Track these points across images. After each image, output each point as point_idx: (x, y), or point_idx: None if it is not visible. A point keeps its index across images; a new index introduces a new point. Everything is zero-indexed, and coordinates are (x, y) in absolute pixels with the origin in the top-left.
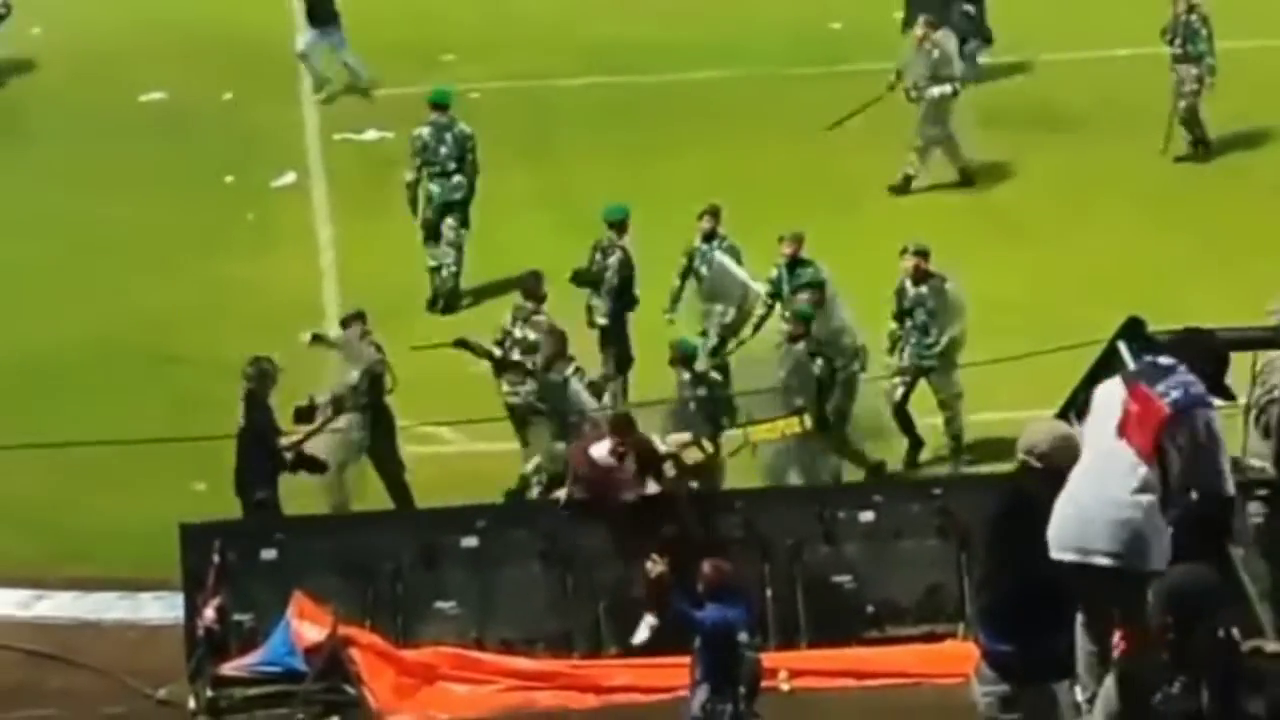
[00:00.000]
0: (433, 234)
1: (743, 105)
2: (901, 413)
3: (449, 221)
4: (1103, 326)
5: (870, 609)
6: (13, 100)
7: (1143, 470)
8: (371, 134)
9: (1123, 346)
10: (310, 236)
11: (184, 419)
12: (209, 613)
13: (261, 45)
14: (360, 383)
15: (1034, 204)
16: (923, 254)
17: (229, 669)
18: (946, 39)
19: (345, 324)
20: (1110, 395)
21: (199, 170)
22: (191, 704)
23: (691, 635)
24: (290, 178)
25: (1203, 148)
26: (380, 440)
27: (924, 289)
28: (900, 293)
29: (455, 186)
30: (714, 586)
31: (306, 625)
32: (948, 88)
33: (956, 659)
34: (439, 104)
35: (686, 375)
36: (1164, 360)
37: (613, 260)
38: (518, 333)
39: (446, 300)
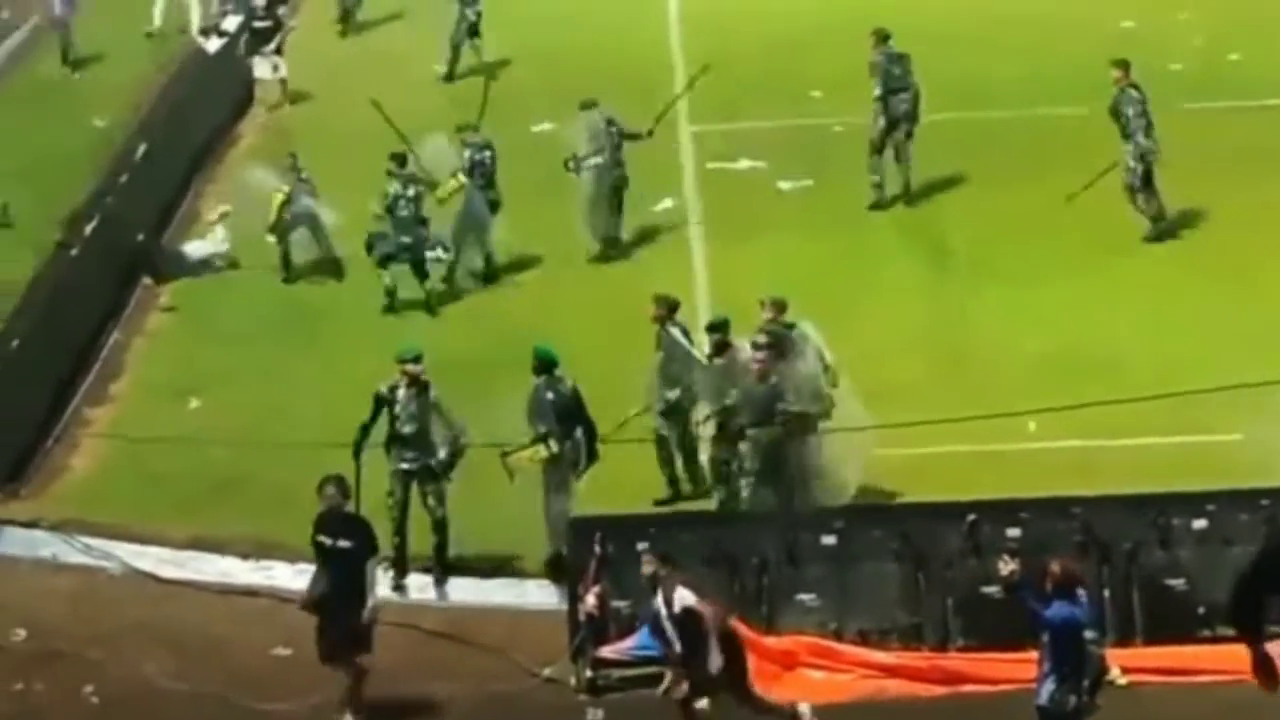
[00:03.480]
0: (878, 149)
1: (1086, 139)
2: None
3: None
4: None
5: (1201, 610)
6: (423, 128)
7: None
8: (744, 163)
9: None
10: (685, 256)
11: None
12: (590, 599)
13: (642, 81)
14: None
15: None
16: (778, 305)
17: (608, 651)
18: (598, 116)
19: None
20: None
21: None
22: (573, 682)
23: (1039, 630)
24: (668, 203)
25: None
26: None
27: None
28: None
29: (904, 100)
30: (1062, 584)
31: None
32: (602, 159)
33: None
34: (887, 36)
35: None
36: None
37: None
38: None
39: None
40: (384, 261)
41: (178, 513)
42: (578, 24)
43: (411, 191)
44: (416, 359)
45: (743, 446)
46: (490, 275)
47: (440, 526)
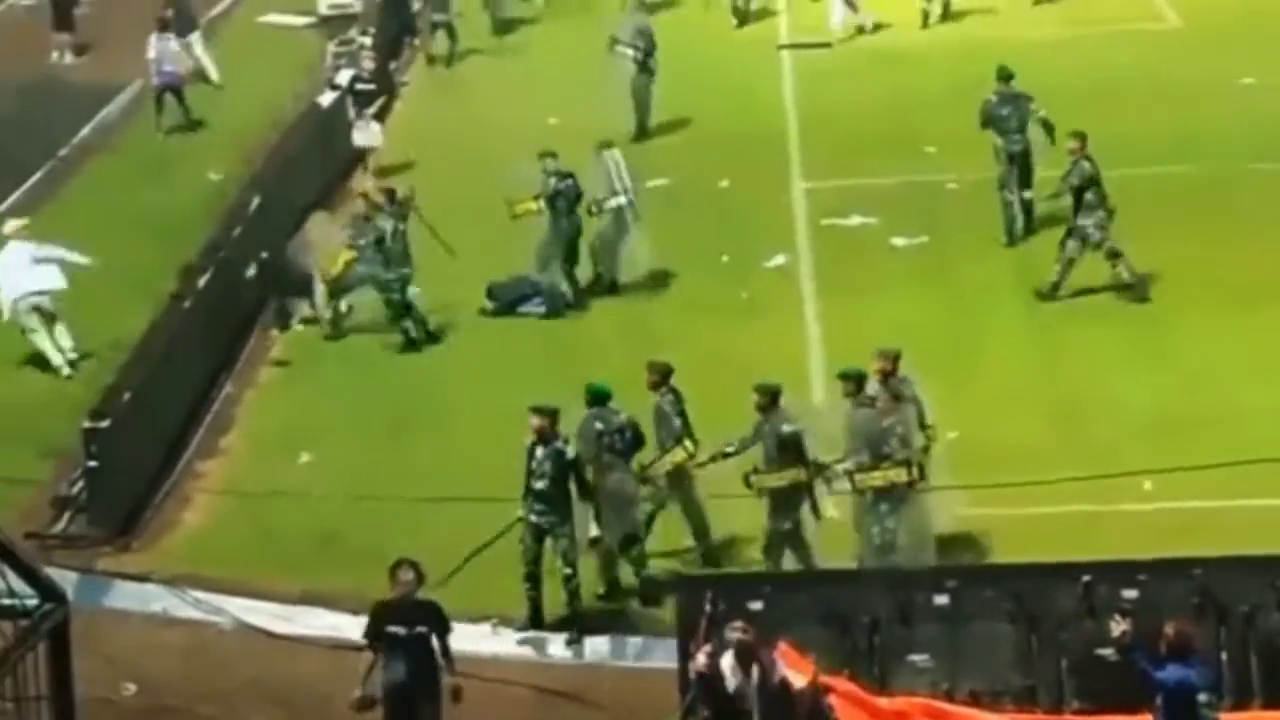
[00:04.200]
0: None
1: (1202, 198)
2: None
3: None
4: None
5: None
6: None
7: None
8: (856, 219)
9: None
10: (798, 311)
11: None
12: (701, 658)
13: (754, 138)
14: None
15: None
16: (889, 356)
17: None
18: (615, 155)
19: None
20: None
21: (698, 250)
22: None
23: (1153, 693)
24: (781, 259)
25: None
26: None
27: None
28: None
29: (1017, 141)
30: (1175, 647)
31: (790, 672)
32: (622, 199)
33: None
34: (1009, 76)
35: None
36: None
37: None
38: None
39: (1023, 231)
40: (392, 298)
41: (288, 567)
42: (696, 83)
43: (402, 227)
44: (538, 411)
45: (864, 497)
46: (578, 298)
47: (571, 592)
